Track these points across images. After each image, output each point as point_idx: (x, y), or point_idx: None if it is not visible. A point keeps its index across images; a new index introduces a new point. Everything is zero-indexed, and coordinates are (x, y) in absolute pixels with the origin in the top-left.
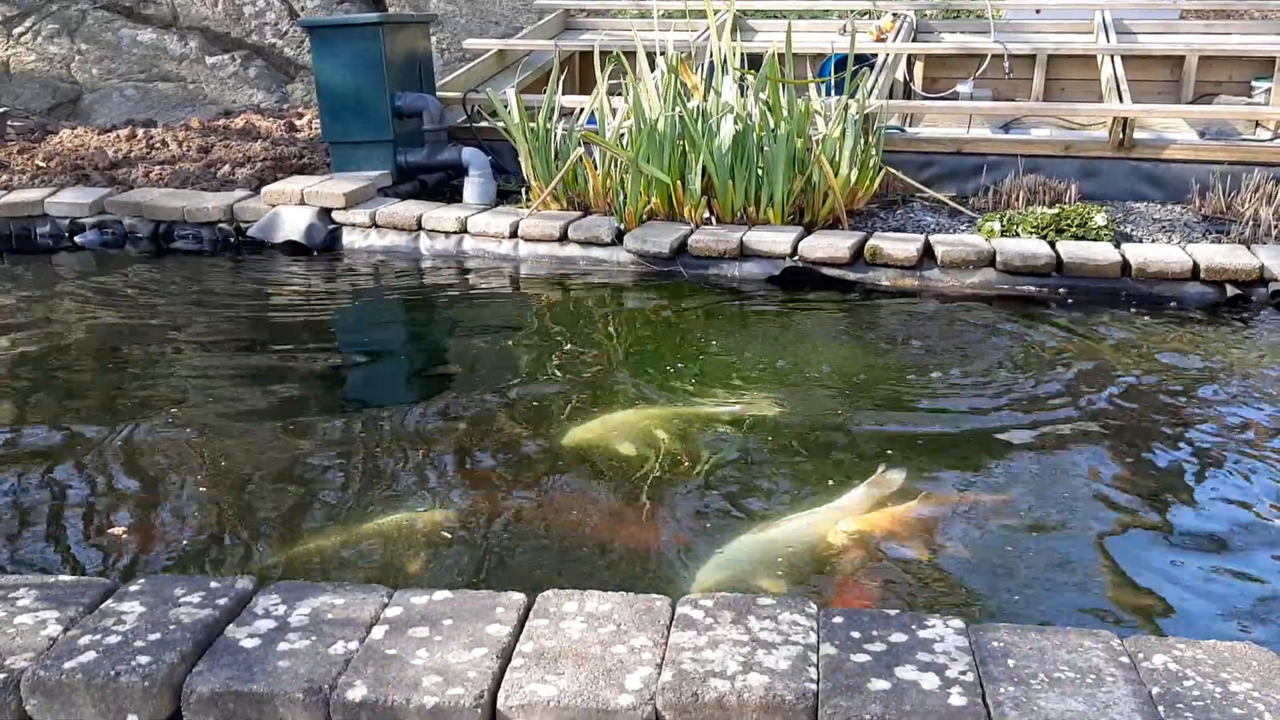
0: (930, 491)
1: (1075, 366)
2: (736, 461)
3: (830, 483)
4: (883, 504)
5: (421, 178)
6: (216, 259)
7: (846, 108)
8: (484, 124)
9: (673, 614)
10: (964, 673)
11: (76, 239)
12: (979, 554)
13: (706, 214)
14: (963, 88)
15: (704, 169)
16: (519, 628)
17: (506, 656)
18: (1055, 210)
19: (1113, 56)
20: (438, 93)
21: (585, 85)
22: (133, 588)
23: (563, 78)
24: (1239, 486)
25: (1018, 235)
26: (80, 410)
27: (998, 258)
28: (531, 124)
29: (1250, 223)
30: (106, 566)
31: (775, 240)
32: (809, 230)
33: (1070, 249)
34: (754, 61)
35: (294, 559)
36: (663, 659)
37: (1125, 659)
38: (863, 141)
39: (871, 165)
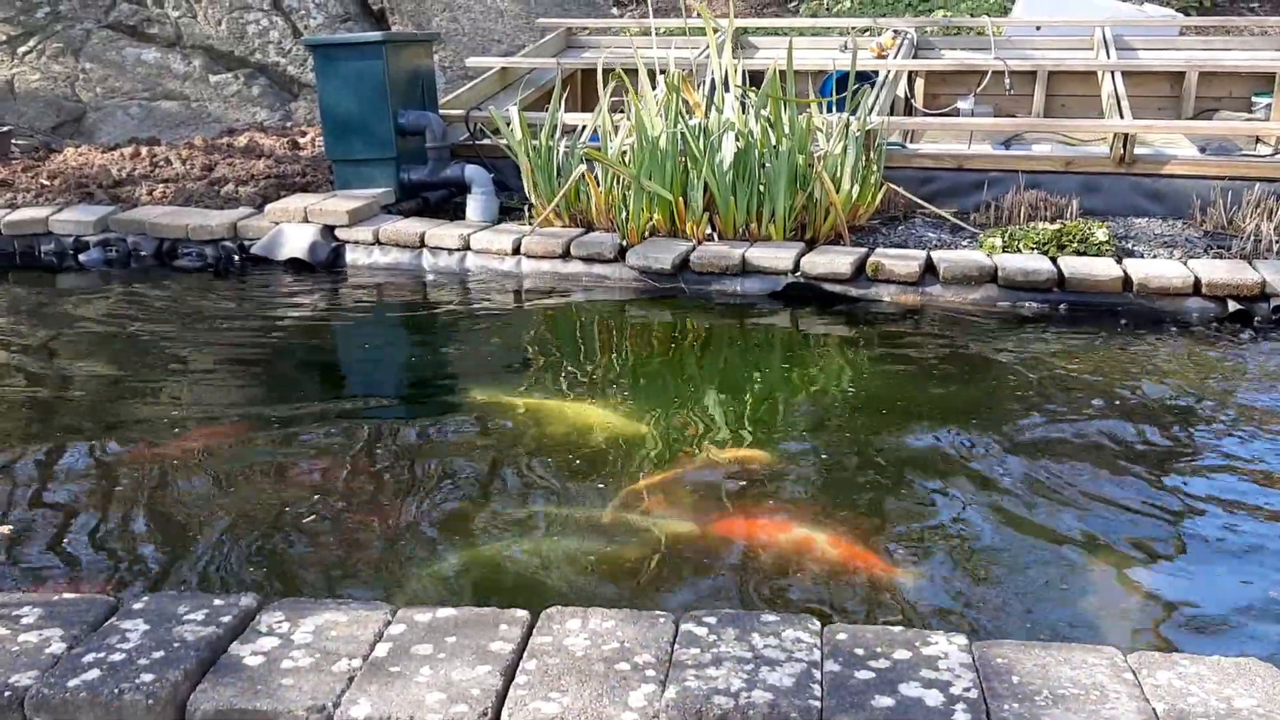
0: None
1: (1077, 381)
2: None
3: None
4: None
5: (424, 195)
6: (220, 277)
7: (848, 124)
8: (486, 141)
9: (676, 631)
10: (968, 689)
11: (80, 257)
12: (979, 566)
13: (708, 230)
14: (963, 104)
15: (706, 186)
16: (523, 645)
17: (510, 674)
18: (1057, 226)
19: (1113, 73)
20: (440, 110)
21: (587, 103)
22: (136, 606)
23: (565, 95)
24: (1240, 501)
25: (1019, 251)
26: (81, 424)
27: (999, 273)
28: (534, 141)
29: (1251, 238)
30: (110, 584)
31: (777, 256)
32: (811, 246)
33: (1072, 264)
34: (755, 79)
35: (291, 577)
36: (667, 676)
37: (1129, 675)
38: (864, 158)
39: (873, 181)
